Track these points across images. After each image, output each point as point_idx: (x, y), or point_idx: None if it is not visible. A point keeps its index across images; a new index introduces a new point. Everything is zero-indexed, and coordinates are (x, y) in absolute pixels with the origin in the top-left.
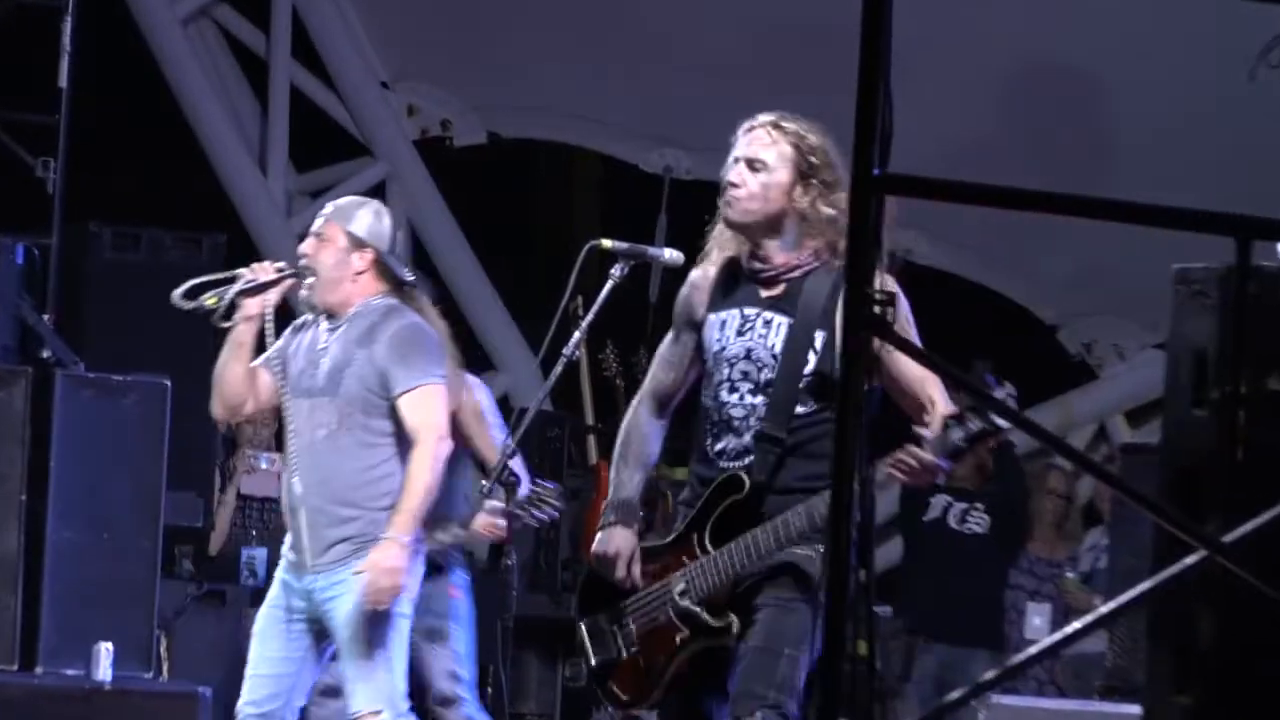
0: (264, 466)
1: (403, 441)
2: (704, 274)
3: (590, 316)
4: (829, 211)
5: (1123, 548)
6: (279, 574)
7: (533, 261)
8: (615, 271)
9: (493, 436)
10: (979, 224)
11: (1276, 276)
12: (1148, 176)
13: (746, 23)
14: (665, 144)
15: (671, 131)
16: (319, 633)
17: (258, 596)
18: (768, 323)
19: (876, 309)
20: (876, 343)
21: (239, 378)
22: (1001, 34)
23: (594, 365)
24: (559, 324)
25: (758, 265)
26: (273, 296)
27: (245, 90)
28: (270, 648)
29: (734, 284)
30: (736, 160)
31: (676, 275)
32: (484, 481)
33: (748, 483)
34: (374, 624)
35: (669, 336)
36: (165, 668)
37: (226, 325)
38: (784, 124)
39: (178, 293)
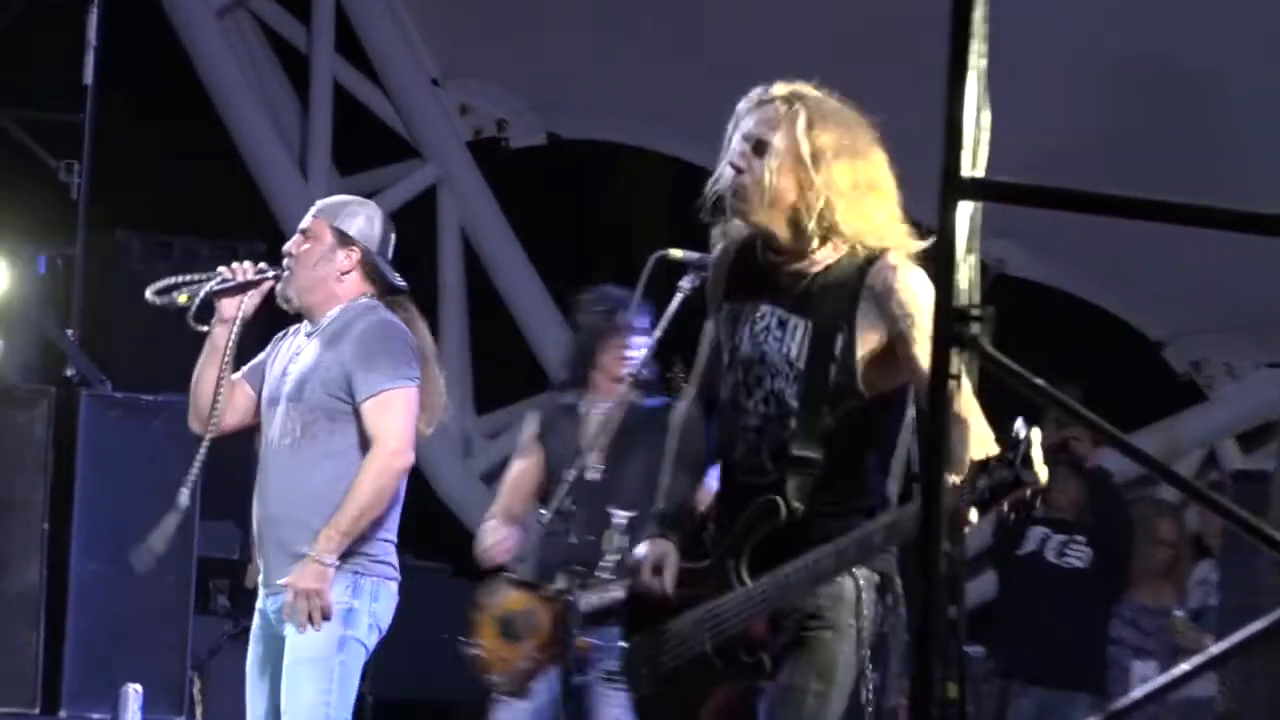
0: None
1: None
2: (724, 254)
3: (658, 332)
4: (847, 198)
5: (1234, 583)
6: (257, 604)
7: (595, 273)
8: (685, 283)
9: None
10: (1077, 232)
11: None
12: (1263, 181)
13: (827, 18)
14: None
15: None
16: None
17: None
18: (783, 324)
19: (968, 326)
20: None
21: (211, 385)
22: (1104, 25)
23: (662, 385)
24: None
25: (772, 257)
26: (253, 300)
27: (285, 87)
28: (258, 708)
29: (749, 273)
30: (745, 138)
31: None
32: (543, 511)
33: (784, 510)
34: (313, 651)
35: (708, 323)
36: (199, 712)
37: (204, 329)
38: (800, 96)
39: (151, 289)
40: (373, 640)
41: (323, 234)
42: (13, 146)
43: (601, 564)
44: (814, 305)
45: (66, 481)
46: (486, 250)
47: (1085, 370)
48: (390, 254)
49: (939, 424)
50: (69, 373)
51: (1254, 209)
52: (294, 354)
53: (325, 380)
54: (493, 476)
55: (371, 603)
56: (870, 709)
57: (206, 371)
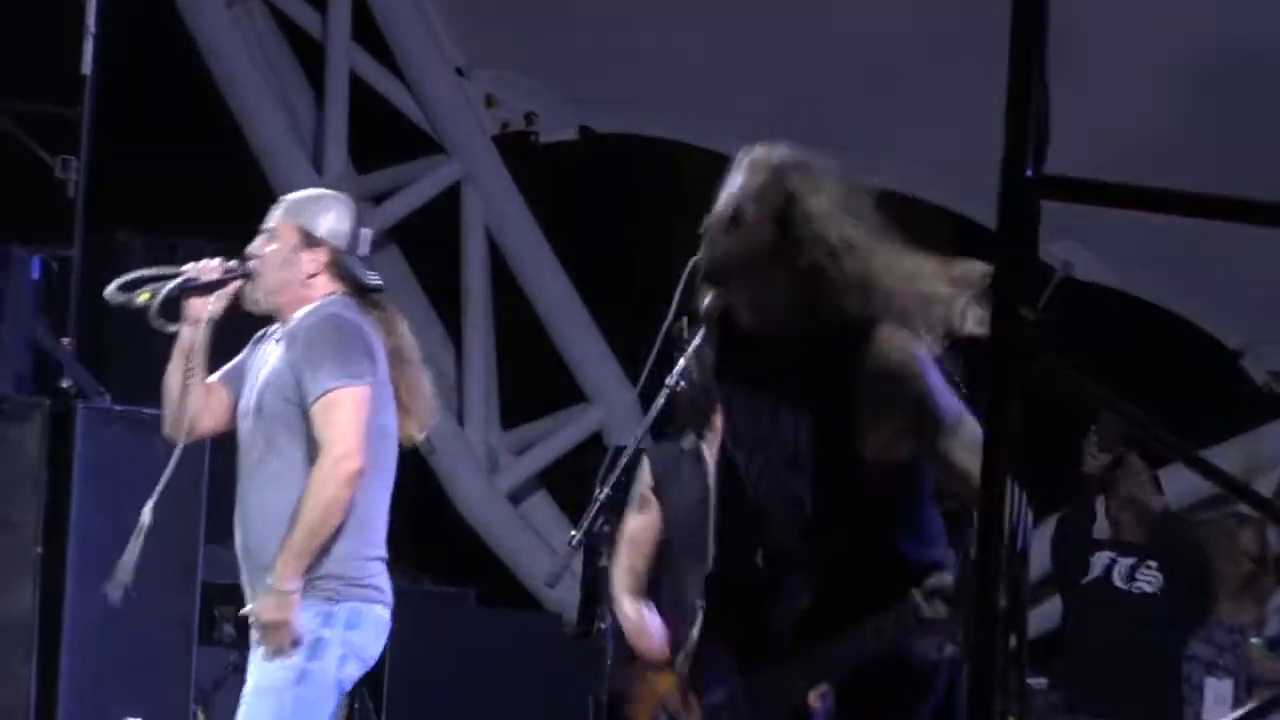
0: None
1: None
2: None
3: (697, 341)
4: (824, 261)
5: None
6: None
7: (631, 277)
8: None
9: None
10: (1150, 234)
11: None
12: None
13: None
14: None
15: (795, 130)
16: None
17: None
18: (774, 409)
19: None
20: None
21: (179, 389)
22: (1182, 14)
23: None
24: (661, 349)
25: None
26: (221, 301)
27: (298, 78)
28: None
29: (736, 343)
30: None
31: None
32: (573, 532)
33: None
34: (269, 681)
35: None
36: None
37: (173, 329)
38: (764, 156)
39: (112, 286)
40: (350, 671)
41: (287, 235)
42: (5, 140)
43: None
44: (800, 381)
45: (61, 501)
46: (513, 252)
47: (1157, 380)
48: (365, 250)
49: (1002, 436)
50: (64, 384)
51: None
52: (265, 360)
53: (279, 386)
54: (519, 495)
55: (346, 631)
56: None
57: (173, 376)
